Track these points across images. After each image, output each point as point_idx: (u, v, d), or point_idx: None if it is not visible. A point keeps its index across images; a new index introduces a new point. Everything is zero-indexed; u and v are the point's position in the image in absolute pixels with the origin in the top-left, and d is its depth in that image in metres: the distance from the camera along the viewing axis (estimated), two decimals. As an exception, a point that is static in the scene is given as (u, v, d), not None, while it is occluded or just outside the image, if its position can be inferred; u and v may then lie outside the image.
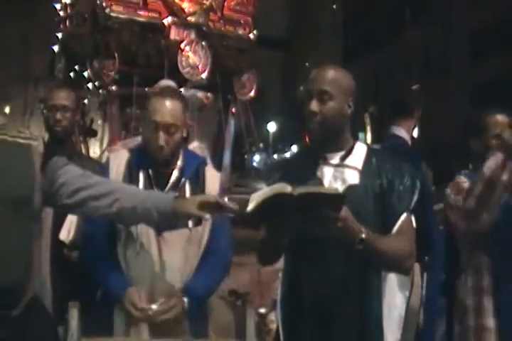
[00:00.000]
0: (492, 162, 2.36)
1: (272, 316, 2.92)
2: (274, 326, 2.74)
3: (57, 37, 4.86)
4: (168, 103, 2.18)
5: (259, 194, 1.71)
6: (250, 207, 1.70)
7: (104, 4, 4.22)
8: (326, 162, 1.98)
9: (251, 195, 1.72)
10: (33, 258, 1.86)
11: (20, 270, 1.78)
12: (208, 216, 1.87)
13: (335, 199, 1.71)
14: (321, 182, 1.93)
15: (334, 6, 33.61)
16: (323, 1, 33.86)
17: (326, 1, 34.12)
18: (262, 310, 3.00)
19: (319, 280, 1.92)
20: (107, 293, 2.18)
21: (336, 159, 1.99)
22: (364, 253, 1.82)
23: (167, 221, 1.97)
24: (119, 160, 2.26)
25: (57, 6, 4.94)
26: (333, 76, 1.95)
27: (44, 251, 2.59)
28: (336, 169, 1.97)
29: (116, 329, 2.13)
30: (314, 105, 1.92)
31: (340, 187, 1.90)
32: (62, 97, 2.83)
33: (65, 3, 4.85)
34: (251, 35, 4.82)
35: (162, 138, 2.15)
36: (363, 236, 1.78)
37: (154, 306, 2.07)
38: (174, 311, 2.10)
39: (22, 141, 1.88)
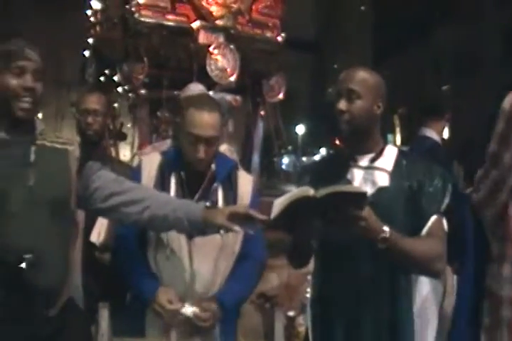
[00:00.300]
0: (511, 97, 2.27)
1: (301, 319, 2.91)
2: (302, 329, 2.73)
3: (88, 42, 4.94)
4: (207, 115, 2.13)
5: (282, 200, 1.71)
6: (274, 213, 1.71)
7: (133, 9, 4.27)
8: (356, 164, 1.98)
9: (274, 201, 1.73)
10: (70, 260, 1.90)
11: (59, 271, 1.83)
12: (237, 228, 1.86)
13: (357, 198, 1.71)
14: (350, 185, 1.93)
15: (362, 7, 33.41)
16: (352, 2, 33.70)
17: (354, 2, 33.95)
18: (291, 313, 2.99)
19: (348, 282, 1.91)
20: (139, 295, 2.18)
21: (365, 161, 1.99)
22: (389, 253, 1.80)
23: (198, 230, 1.98)
24: (151, 163, 2.25)
25: (88, 12, 5.03)
26: (361, 76, 1.97)
27: (76, 252, 2.64)
28: (365, 171, 1.97)
29: (148, 331, 2.14)
30: (342, 104, 1.94)
31: (370, 189, 1.90)
32: (94, 101, 2.86)
33: (96, 9, 4.92)
34: (279, 38, 4.82)
35: (202, 150, 2.12)
36: (386, 235, 1.76)
37: (184, 309, 2.07)
38: (208, 316, 2.10)
39: (59, 146, 1.93)
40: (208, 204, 1.98)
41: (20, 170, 1.79)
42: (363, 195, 1.72)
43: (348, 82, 1.96)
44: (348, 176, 1.97)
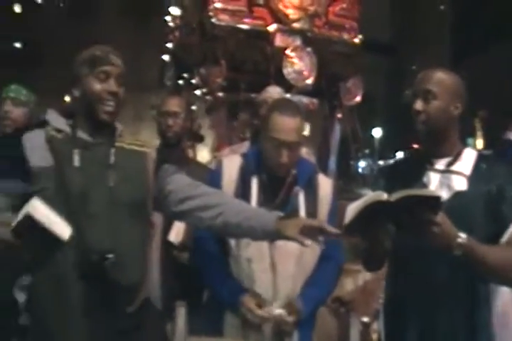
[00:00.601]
0: None
1: (375, 325, 2.85)
2: (376, 336, 2.68)
3: (167, 47, 5.06)
4: (290, 120, 2.11)
5: (355, 205, 1.69)
6: (348, 219, 1.69)
7: (210, 14, 4.34)
8: (432, 167, 1.94)
9: (348, 206, 1.71)
10: (147, 259, 1.95)
11: (138, 270, 1.87)
12: (308, 242, 1.79)
13: (431, 202, 1.66)
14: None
15: (442, 7, 32.49)
16: (430, 1, 32.83)
17: (432, 1, 33.07)
18: (366, 319, 2.93)
19: (423, 288, 1.87)
20: (220, 298, 2.17)
21: (442, 164, 1.94)
22: (465, 260, 1.74)
23: (271, 240, 1.98)
24: (232, 165, 2.25)
25: (167, 18, 5.15)
26: (438, 76, 1.93)
27: (154, 251, 2.70)
28: (442, 175, 1.92)
29: (226, 331, 2.14)
30: (419, 104, 1.91)
31: (446, 194, 1.85)
32: (174, 104, 2.91)
33: (175, 15, 5.04)
34: (356, 40, 4.78)
35: (285, 155, 2.11)
36: (460, 241, 1.70)
37: (272, 313, 2.07)
38: (293, 319, 2.09)
39: (137, 148, 1.98)
40: (281, 214, 1.92)
41: (101, 171, 1.84)
42: (437, 199, 1.66)
43: (424, 82, 1.93)
44: (424, 179, 1.93)
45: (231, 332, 2.13)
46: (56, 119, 1.89)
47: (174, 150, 2.90)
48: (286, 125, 2.11)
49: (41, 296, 1.73)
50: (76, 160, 1.80)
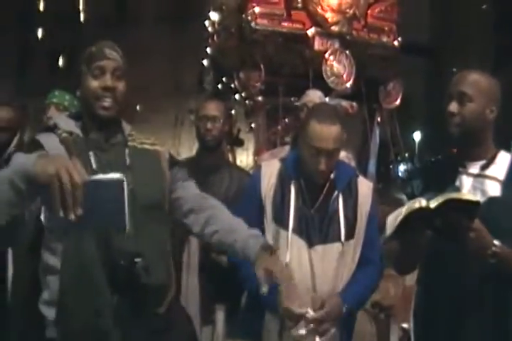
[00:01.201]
0: None
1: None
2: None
3: (207, 51, 5.11)
4: (329, 129, 2.08)
5: (396, 215, 1.69)
6: (389, 230, 1.69)
7: (249, 18, 4.36)
8: (466, 171, 1.90)
9: (387, 218, 1.70)
10: (171, 259, 1.94)
11: (165, 270, 1.87)
12: (265, 289, 1.71)
13: (469, 207, 1.64)
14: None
15: (484, 6, 31.83)
16: (472, 0, 32.22)
17: (474, 0, 32.46)
18: (405, 325, 2.89)
19: (452, 295, 1.84)
20: (260, 299, 2.17)
21: (476, 168, 1.90)
22: (498, 267, 1.71)
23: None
24: (271, 170, 2.24)
25: (206, 23, 5.20)
26: (474, 79, 1.89)
27: (193, 254, 2.72)
28: (475, 179, 1.88)
29: (264, 335, 2.13)
30: (453, 106, 1.87)
31: (479, 198, 1.79)
32: (213, 108, 2.92)
33: (214, 20, 5.09)
34: (395, 43, 4.74)
35: (323, 163, 2.09)
36: (496, 249, 1.67)
37: (310, 313, 2.05)
38: (331, 317, 2.06)
39: (149, 147, 1.94)
40: (270, 242, 1.89)
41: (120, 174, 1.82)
42: (476, 203, 1.64)
43: (459, 84, 1.89)
44: (457, 183, 1.89)
45: (269, 337, 2.13)
46: (65, 122, 1.85)
47: (213, 153, 2.91)
48: (324, 133, 2.08)
49: (70, 305, 1.71)
50: (94, 163, 1.77)
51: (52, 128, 1.82)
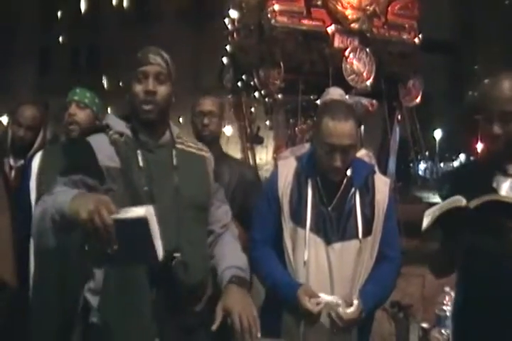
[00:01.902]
0: None
1: (435, 332, 2.79)
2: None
3: (226, 49, 5.11)
4: (342, 125, 2.08)
5: (435, 209, 1.68)
6: (425, 224, 1.68)
7: (269, 16, 4.35)
8: (503, 172, 1.88)
9: (425, 211, 1.69)
10: (209, 259, 1.98)
11: (204, 270, 1.92)
12: (214, 326, 1.74)
13: (510, 207, 1.62)
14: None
15: (507, 2, 31.31)
16: (493, -3, 31.68)
17: (496, -3, 31.92)
18: (425, 325, 2.88)
19: (493, 296, 1.82)
20: (280, 296, 2.16)
21: None
22: None
23: None
24: (287, 168, 2.26)
25: (226, 21, 5.20)
26: None
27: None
28: None
29: (283, 332, 2.14)
30: (497, 128, 1.81)
31: None
32: (209, 103, 2.96)
33: (233, 18, 5.08)
34: (416, 40, 4.69)
35: (338, 159, 2.09)
36: None
37: (326, 299, 2.05)
38: (352, 318, 2.07)
39: (196, 151, 2.03)
40: (242, 276, 1.90)
41: (165, 173, 1.89)
42: None
43: (500, 102, 1.79)
44: (494, 185, 1.86)
45: (289, 334, 2.13)
46: (117, 123, 1.94)
47: (211, 149, 2.93)
48: (338, 130, 2.08)
49: (112, 296, 1.77)
50: (141, 161, 1.85)
51: (104, 129, 1.92)
